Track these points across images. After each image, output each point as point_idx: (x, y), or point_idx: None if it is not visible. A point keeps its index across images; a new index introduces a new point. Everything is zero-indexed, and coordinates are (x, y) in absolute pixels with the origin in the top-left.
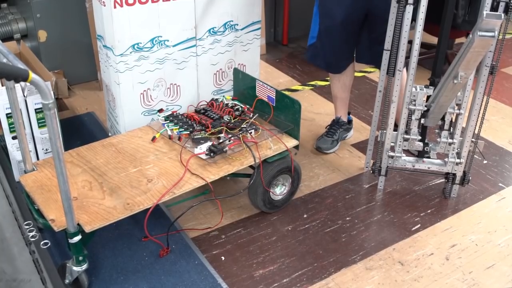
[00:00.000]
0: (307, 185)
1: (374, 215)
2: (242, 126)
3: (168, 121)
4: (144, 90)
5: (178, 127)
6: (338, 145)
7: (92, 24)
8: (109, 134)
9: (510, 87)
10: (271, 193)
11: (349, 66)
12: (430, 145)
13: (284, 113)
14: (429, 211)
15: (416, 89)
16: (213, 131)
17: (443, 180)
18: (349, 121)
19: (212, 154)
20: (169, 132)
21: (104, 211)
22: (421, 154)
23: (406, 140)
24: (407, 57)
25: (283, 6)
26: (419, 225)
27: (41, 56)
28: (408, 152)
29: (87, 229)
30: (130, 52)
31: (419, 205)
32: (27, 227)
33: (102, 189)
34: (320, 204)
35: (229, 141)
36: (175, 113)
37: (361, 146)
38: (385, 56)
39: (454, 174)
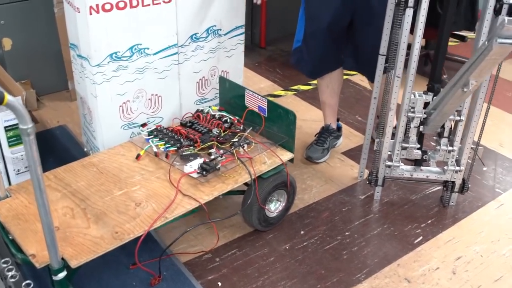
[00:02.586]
0: (301, 198)
1: (373, 228)
2: (234, 140)
3: (153, 136)
4: (124, 102)
5: (163, 142)
6: (329, 153)
7: (61, 30)
8: (85, 149)
9: (498, 89)
10: (266, 210)
11: (337, 71)
12: (429, 153)
13: (277, 124)
14: (429, 221)
15: (415, 96)
16: (202, 146)
17: (440, 187)
18: (339, 128)
19: (204, 172)
20: (155, 149)
21: (90, 242)
22: (418, 163)
23: (404, 148)
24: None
25: (260, 7)
26: (421, 237)
27: (6, 66)
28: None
29: (73, 264)
30: (108, 62)
31: (418, 216)
32: (5, 265)
33: (86, 216)
34: (317, 219)
35: (222, 157)
36: (159, 127)
37: (351, 154)
38: (380, 61)
39: (453, 182)
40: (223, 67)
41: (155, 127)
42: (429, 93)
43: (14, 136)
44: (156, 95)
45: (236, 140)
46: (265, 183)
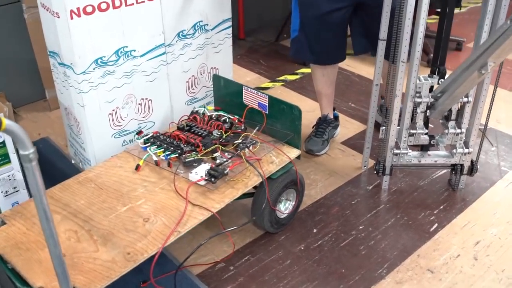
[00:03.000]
0: (308, 194)
1: (387, 219)
2: (238, 141)
3: (150, 144)
4: (113, 110)
5: (162, 149)
6: (329, 145)
7: (33, 37)
8: (73, 162)
9: None
10: (277, 211)
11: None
12: (437, 138)
13: (280, 120)
14: (441, 207)
15: (420, 80)
16: (206, 150)
17: (446, 171)
18: (336, 117)
19: (213, 179)
20: (154, 157)
21: (102, 267)
22: (425, 148)
23: (411, 135)
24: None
25: None
26: (436, 225)
27: None
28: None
29: None
30: (94, 69)
31: (429, 202)
32: None
33: (92, 238)
34: (327, 214)
35: (228, 161)
36: (155, 134)
37: (351, 143)
38: (381, 46)
39: (462, 165)
40: (212, 64)
41: (151, 134)
42: (434, 76)
43: (1, 155)
44: (146, 99)
45: (240, 141)
46: (275, 184)
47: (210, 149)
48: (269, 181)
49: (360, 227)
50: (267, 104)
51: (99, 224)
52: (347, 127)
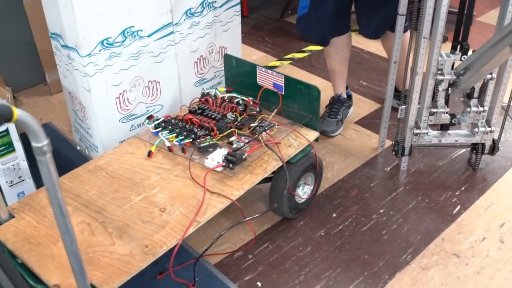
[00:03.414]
0: (325, 177)
1: (407, 202)
2: (255, 124)
3: (161, 129)
4: (120, 93)
5: (175, 134)
6: (343, 125)
7: (32, 18)
8: (78, 148)
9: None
10: (295, 196)
11: (346, 36)
12: (458, 116)
13: (297, 101)
14: (463, 188)
15: (442, 57)
16: (222, 135)
17: (465, 150)
18: (349, 97)
19: (231, 165)
20: (167, 143)
21: (119, 261)
22: (445, 127)
23: (432, 114)
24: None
25: None
26: (459, 207)
27: None
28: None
29: None
30: (99, 50)
31: (450, 183)
32: None
33: (107, 231)
34: (346, 198)
35: (245, 145)
36: (167, 118)
37: (365, 123)
38: (400, 22)
39: (483, 144)
40: (221, 43)
41: (162, 118)
42: (456, 52)
43: (3, 144)
44: (153, 81)
45: (257, 124)
46: (294, 168)
47: (225, 133)
48: (288, 165)
49: (381, 211)
50: (283, 85)
51: (113, 215)
52: (360, 106)
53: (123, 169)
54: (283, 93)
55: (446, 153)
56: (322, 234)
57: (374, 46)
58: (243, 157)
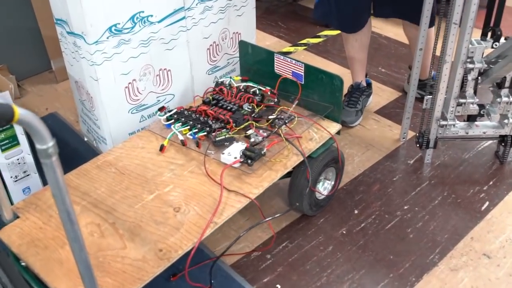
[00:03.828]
0: (345, 170)
1: (433, 197)
2: (275, 117)
3: (173, 121)
4: (129, 83)
5: (188, 127)
6: (363, 115)
7: (36, 3)
8: (85, 139)
9: None
10: (316, 193)
11: (367, 22)
12: (487, 107)
13: (317, 92)
14: (491, 182)
15: (473, 44)
16: (238, 128)
17: (491, 142)
18: (369, 85)
19: (249, 161)
20: (180, 136)
21: (131, 267)
22: (472, 118)
23: (459, 104)
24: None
25: None
26: (487, 203)
27: None
28: None
29: None
30: (107, 37)
31: (477, 177)
32: None
33: (118, 233)
34: (368, 193)
35: (264, 139)
36: (180, 110)
37: (386, 112)
38: (427, 6)
39: None
40: (234, 29)
41: (175, 109)
42: (488, 39)
43: (7, 138)
44: (164, 69)
45: (275, 116)
46: (315, 163)
47: (242, 126)
48: (309, 160)
49: (405, 207)
50: (302, 74)
51: (124, 215)
52: (379, 95)
53: (134, 164)
54: (303, 83)
55: (472, 145)
56: (344, 232)
57: (392, 31)
58: (262, 152)
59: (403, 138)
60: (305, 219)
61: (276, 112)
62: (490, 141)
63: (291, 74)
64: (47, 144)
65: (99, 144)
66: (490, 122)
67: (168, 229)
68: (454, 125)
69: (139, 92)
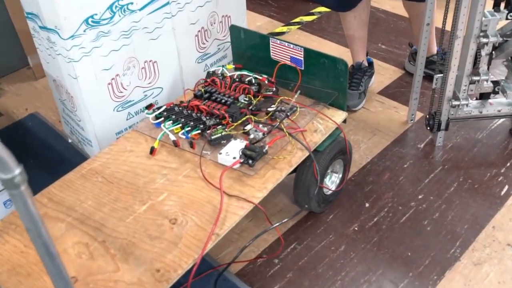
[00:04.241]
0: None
1: (448, 184)
2: (275, 109)
3: (163, 119)
4: (112, 78)
5: (180, 125)
6: (366, 97)
7: None
8: (69, 141)
9: None
10: (324, 188)
11: None
12: (502, 83)
13: (319, 77)
14: (508, 164)
15: (486, 16)
16: (235, 124)
17: (505, 119)
18: (370, 64)
19: (250, 161)
20: (172, 136)
21: None
22: (485, 96)
23: (472, 82)
24: None
25: None
26: (506, 187)
27: None
28: None
29: None
30: (84, 30)
31: (493, 159)
32: None
33: (109, 253)
34: (378, 183)
35: (265, 135)
36: (169, 106)
37: (390, 93)
38: None
39: None
40: (223, 11)
41: (164, 106)
42: (502, 10)
43: None
44: (150, 61)
45: (275, 108)
46: (322, 157)
47: (239, 121)
48: (315, 154)
49: (419, 197)
50: (302, 59)
51: (114, 231)
52: (382, 73)
53: (123, 171)
54: (303, 69)
55: (485, 123)
56: (356, 228)
57: (390, 4)
58: (264, 150)
59: (411, 120)
60: (312, 216)
61: (276, 103)
62: (503, 119)
63: (289, 59)
64: (13, 172)
65: (84, 146)
66: (504, 99)
67: (165, 245)
68: (467, 104)
69: (123, 88)
